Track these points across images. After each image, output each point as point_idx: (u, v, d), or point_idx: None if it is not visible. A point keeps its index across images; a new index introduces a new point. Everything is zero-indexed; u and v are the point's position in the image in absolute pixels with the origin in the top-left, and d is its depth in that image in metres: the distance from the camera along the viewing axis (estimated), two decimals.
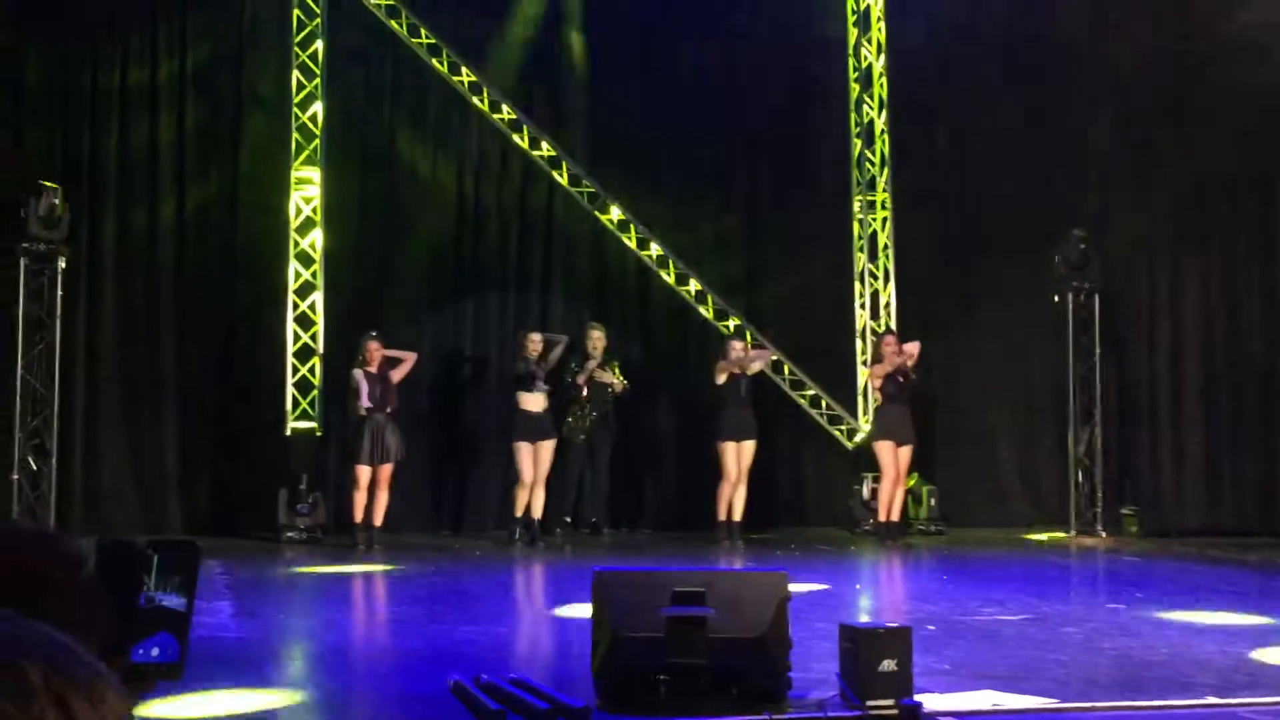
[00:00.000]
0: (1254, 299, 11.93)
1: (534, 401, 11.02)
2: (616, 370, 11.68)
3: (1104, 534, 11.56)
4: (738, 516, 11.27)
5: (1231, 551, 10.35)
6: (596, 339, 11.55)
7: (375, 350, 10.76)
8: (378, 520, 10.78)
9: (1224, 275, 11.97)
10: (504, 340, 12.11)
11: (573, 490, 11.77)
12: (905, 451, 11.28)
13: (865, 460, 12.12)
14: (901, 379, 11.30)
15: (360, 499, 10.68)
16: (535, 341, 11.16)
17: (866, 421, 12.41)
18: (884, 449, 11.25)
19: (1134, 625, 6.67)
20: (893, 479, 11.22)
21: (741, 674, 4.85)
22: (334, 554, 10.45)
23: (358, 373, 10.71)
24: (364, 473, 10.65)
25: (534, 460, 10.99)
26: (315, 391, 11.50)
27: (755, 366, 11.59)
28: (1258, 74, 11.04)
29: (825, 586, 8.30)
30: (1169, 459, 12.00)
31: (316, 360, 11.52)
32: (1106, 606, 7.67)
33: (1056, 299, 11.91)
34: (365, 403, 10.61)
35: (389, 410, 10.75)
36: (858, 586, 8.96)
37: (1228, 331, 11.94)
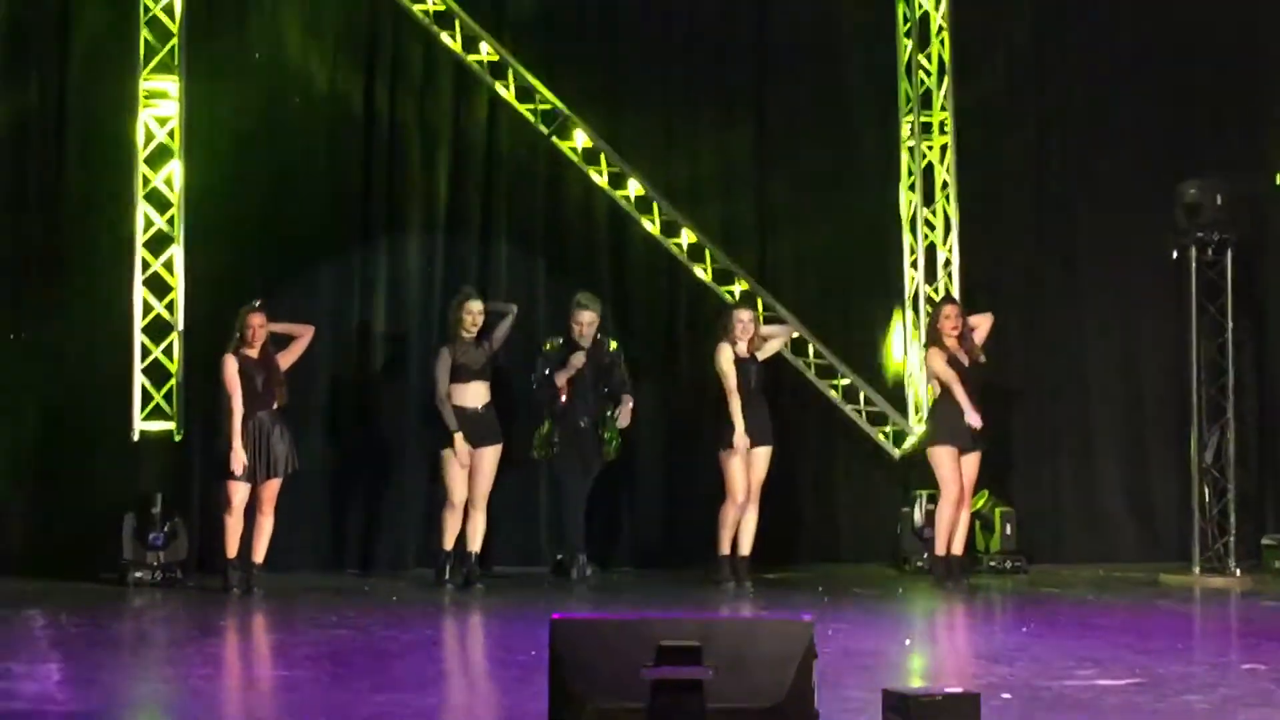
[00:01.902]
0: None
1: (471, 393, 11.01)
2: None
3: (1238, 572, 11.62)
4: (746, 549, 11.31)
5: None
6: (586, 322, 11.48)
7: (258, 326, 10.73)
8: (258, 555, 10.76)
9: None
10: (429, 310, 12.10)
11: (578, 522, 11.62)
12: (971, 461, 11.32)
13: (919, 473, 12.15)
14: (966, 364, 11.34)
15: (234, 526, 10.66)
16: (475, 312, 11.14)
17: (920, 421, 12.45)
18: (943, 457, 11.29)
19: (1278, 692, 6.72)
20: (954, 499, 11.26)
21: None
22: (199, 600, 10.43)
23: (230, 361, 10.65)
24: (240, 491, 10.63)
25: (469, 472, 11.00)
26: (173, 381, 11.47)
27: (772, 347, 11.61)
28: None
29: (865, 641, 8.32)
30: None
31: (175, 338, 11.48)
32: (1241, 667, 7.72)
33: (1176, 255, 11.95)
34: (237, 410, 10.56)
35: (275, 407, 10.73)
36: (908, 642, 9.00)
37: None
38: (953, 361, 11.30)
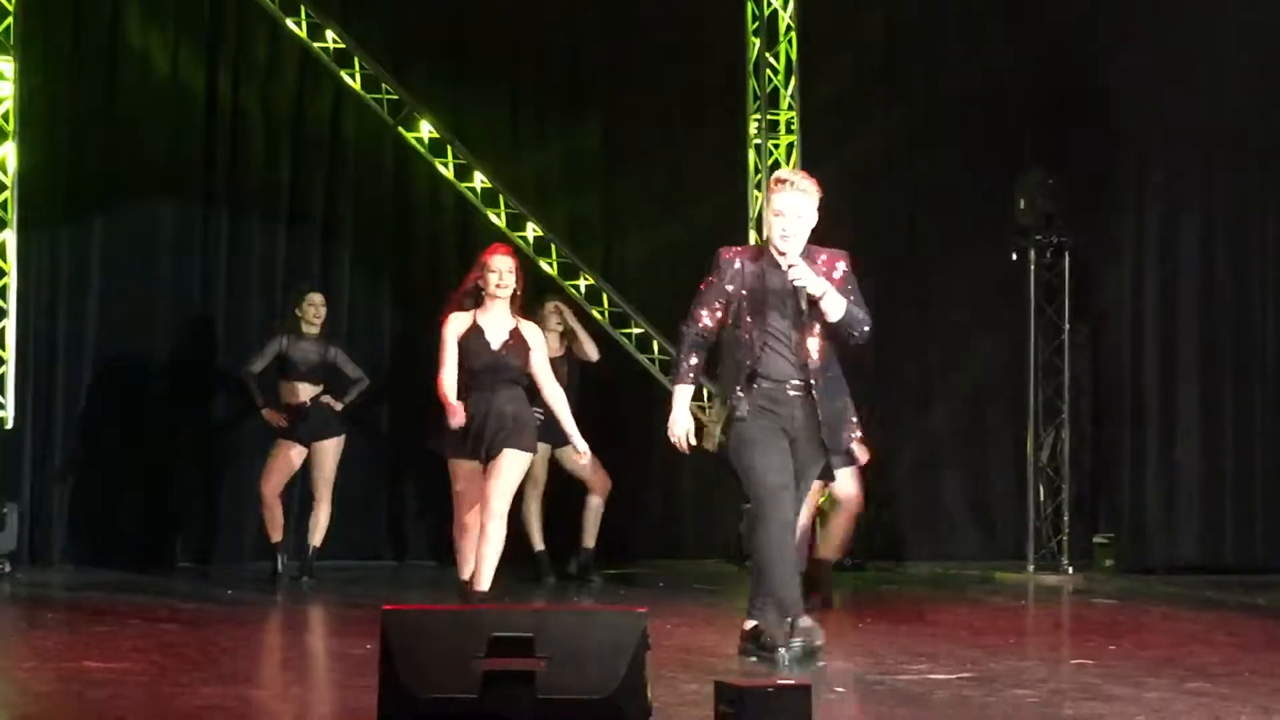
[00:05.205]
0: (1270, 263, 12.27)
1: (301, 392, 11.03)
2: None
3: (1071, 569, 11.82)
4: (590, 543, 11.27)
5: (1234, 592, 10.65)
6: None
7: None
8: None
9: (1233, 231, 12.28)
10: (271, 299, 12.02)
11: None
12: None
13: None
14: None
15: None
16: (316, 304, 11.12)
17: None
18: None
19: (1105, 687, 6.83)
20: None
21: None
22: (27, 595, 10.29)
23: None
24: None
25: (287, 463, 11.02)
26: (4, 369, 11.28)
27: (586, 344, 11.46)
28: None
29: (703, 636, 8.35)
30: (1157, 472, 12.28)
31: (5, 325, 11.29)
32: (1070, 662, 7.84)
33: (1015, 257, 12.14)
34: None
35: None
36: None
37: (1236, 304, 12.25)
38: None
